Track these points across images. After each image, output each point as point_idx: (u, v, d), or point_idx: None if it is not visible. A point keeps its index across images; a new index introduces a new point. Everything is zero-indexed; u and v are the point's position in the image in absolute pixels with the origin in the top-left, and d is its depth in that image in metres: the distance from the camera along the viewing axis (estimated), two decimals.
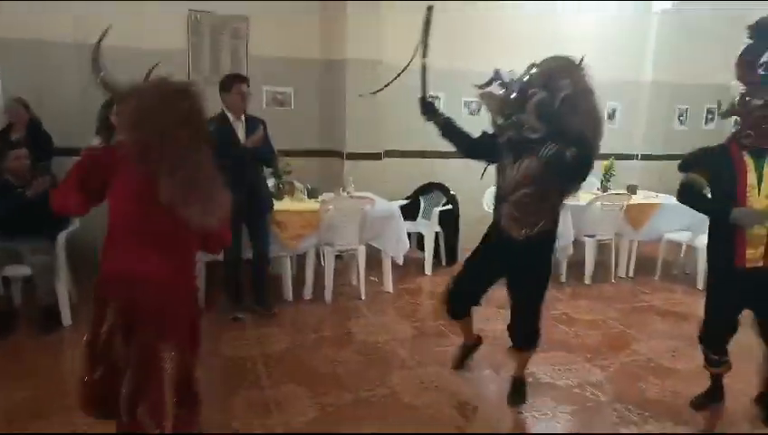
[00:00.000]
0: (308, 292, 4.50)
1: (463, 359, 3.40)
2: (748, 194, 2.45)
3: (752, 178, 2.45)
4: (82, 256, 4.44)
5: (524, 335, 2.95)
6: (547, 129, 2.54)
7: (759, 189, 2.44)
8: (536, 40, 6.04)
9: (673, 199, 5.48)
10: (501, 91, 2.70)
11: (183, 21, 5.12)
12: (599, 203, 5.05)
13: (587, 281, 5.14)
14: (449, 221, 5.43)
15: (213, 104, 4.02)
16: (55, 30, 4.66)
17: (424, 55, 2.95)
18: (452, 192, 5.52)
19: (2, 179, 3.72)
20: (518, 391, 3.04)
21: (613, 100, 6.72)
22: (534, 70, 2.63)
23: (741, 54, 2.52)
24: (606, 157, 6.00)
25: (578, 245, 5.18)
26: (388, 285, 4.74)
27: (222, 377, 3.22)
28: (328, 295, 4.47)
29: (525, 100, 2.56)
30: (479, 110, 6.04)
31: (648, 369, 3.50)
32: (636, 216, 5.25)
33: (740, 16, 7.33)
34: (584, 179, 2.76)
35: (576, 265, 5.22)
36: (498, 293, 4.98)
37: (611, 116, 6.79)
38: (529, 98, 2.55)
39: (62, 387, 2.87)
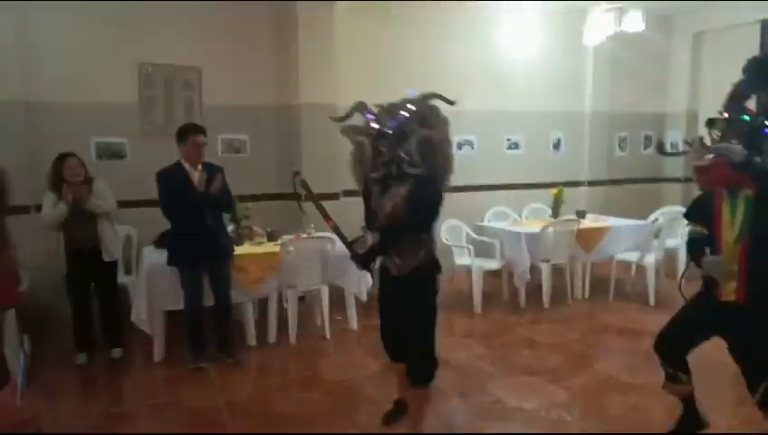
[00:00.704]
0: (272, 335, 4.46)
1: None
2: (723, 225, 2.52)
3: (726, 210, 2.52)
4: (33, 315, 4.31)
5: (417, 372, 2.78)
6: (426, 165, 2.58)
7: (733, 220, 2.50)
8: (486, 74, 6.41)
9: (621, 221, 5.80)
10: (371, 125, 2.64)
11: (134, 74, 5.15)
12: (551, 229, 5.25)
13: (545, 305, 5.29)
14: None
15: (169, 155, 4.07)
16: (1, 88, 4.61)
17: (327, 218, 2.94)
18: None
19: None
20: (396, 413, 3.09)
21: (557, 130, 7.08)
22: (410, 106, 2.62)
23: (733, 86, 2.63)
24: (554, 185, 6.29)
25: (534, 270, 5.35)
26: (353, 323, 4.75)
27: (185, 429, 3.13)
28: (292, 337, 4.44)
29: (405, 135, 2.56)
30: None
31: (610, 386, 3.61)
32: (587, 239, 5.48)
33: (660, 51, 7.88)
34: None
35: (534, 290, 5.37)
36: (463, 322, 5.05)
37: (556, 145, 7.13)
38: (409, 133, 2.56)
39: None
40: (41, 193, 4.13)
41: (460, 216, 5.55)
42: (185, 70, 5.35)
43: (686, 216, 2.80)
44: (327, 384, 3.71)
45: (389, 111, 2.63)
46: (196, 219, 3.82)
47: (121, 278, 4.48)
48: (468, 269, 5.25)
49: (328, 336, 4.54)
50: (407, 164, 2.55)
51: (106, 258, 4.05)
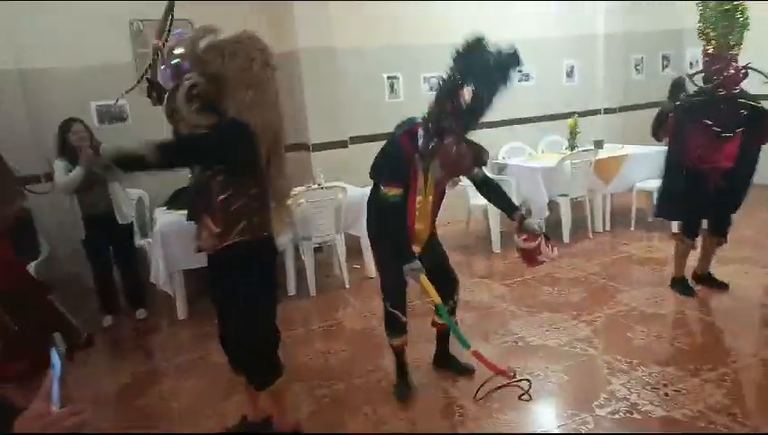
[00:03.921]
0: (291, 288, 4.48)
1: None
2: None
3: None
4: (57, 283, 4.38)
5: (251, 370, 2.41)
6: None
7: None
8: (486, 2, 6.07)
9: (639, 149, 5.61)
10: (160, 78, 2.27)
11: (125, 32, 4.97)
12: (568, 162, 5.10)
13: (565, 240, 5.21)
14: None
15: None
16: None
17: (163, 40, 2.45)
18: None
19: None
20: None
21: (569, 57, 6.77)
22: (182, 49, 2.18)
23: None
24: (569, 115, 6.07)
25: (553, 205, 5.24)
26: (371, 271, 4.74)
27: (213, 383, 3.19)
28: (312, 289, 4.45)
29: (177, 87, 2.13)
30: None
31: (633, 318, 3.57)
32: (605, 170, 5.32)
33: None
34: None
35: (553, 225, 5.28)
36: (482, 262, 5.01)
37: (570, 74, 6.84)
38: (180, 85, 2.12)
39: None
40: (46, 162, 4.09)
41: None
42: (175, 23, 5.12)
43: None
44: (349, 333, 3.74)
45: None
46: None
47: (138, 241, 4.50)
48: (485, 209, 5.17)
49: (347, 286, 4.55)
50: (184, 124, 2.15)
51: (120, 221, 4.06)
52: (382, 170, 2.64)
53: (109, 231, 4.05)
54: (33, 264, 3.75)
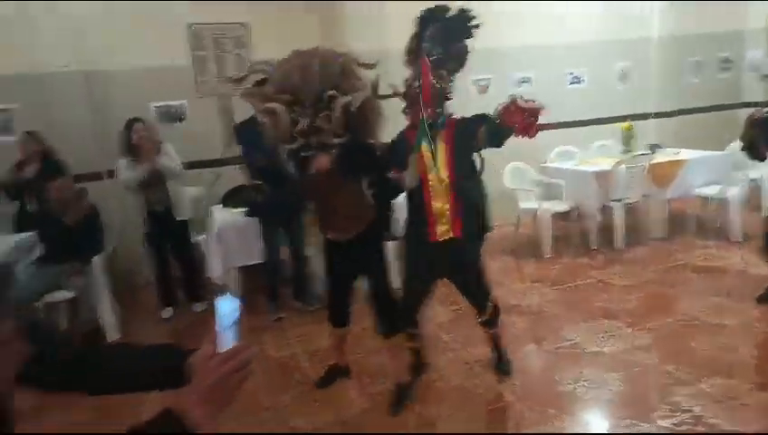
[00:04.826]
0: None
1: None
2: None
3: None
4: (119, 276, 4.57)
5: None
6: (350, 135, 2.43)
7: None
8: (538, 6, 5.98)
9: (697, 154, 5.42)
10: (269, 88, 2.42)
11: (183, 36, 5.12)
12: (622, 166, 4.98)
13: (619, 245, 5.09)
14: None
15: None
16: (54, 59, 4.66)
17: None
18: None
19: (44, 208, 3.83)
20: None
21: (622, 60, 6.61)
22: (316, 67, 2.39)
23: None
24: (621, 119, 5.93)
25: (605, 210, 5.13)
26: None
27: (269, 378, 3.26)
28: None
29: (322, 102, 2.35)
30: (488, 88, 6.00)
31: (693, 327, 3.46)
32: (661, 175, 5.17)
33: None
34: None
35: (605, 231, 5.16)
36: (532, 266, 4.94)
37: (622, 77, 6.67)
38: (328, 100, 2.34)
39: None
40: (108, 160, 4.28)
41: (523, 158, 5.34)
42: (232, 27, 5.28)
43: None
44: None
45: (304, 72, 2.38)
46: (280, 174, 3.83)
47: (195, 237, 4.63)
48: (534, 213, 5.10)
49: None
50: (327, 134, 2.36)
51: (178, 217, 4.20)
52: None
53: (167, 227, 4.20)
54: (97, 257, 3.92)
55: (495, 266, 4.61)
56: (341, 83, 2.41)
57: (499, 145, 2.50)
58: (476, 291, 2.81)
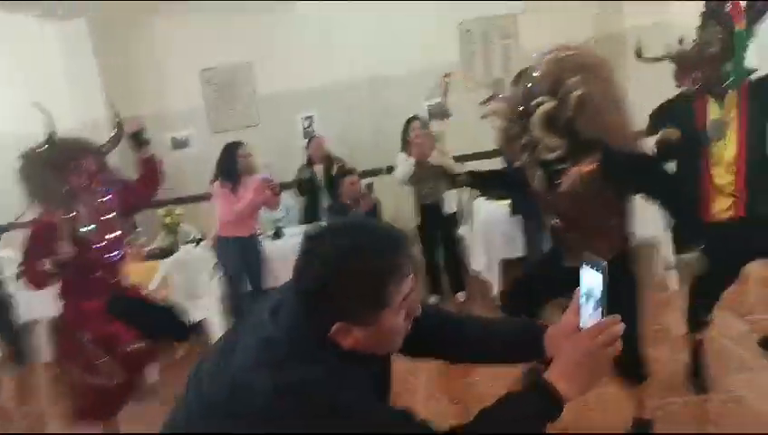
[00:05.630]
0: None
1: None
2: None
3: None
4: None
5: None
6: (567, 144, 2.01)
7: None
8: None
9: None
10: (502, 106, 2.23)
11: (454, 33, 5.34)
12: None
13: None
14: None
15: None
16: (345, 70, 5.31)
17: None
18: None
19: (339, 203, 4.54)
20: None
21: None
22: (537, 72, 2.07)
23: None
24: None
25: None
26: None
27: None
28: None
29: (529, 112, 2.03)
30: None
31: None
32: None
33: None
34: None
35: None
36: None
37: None
38: (533, 109, 2.01)
39: None
40: (387, 157, 4.77)
41: None
42: (499, 18, 5.31)
43: None
44: (676, 340, 3.29)
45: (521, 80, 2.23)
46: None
47: (460, 230, 4.87)
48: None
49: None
50: (542, 148, 2.05)
51: (445, 210, 4.46)
52: None
53: (436, 219, 4.50)
54: None
55: None
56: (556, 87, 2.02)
57: None
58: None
